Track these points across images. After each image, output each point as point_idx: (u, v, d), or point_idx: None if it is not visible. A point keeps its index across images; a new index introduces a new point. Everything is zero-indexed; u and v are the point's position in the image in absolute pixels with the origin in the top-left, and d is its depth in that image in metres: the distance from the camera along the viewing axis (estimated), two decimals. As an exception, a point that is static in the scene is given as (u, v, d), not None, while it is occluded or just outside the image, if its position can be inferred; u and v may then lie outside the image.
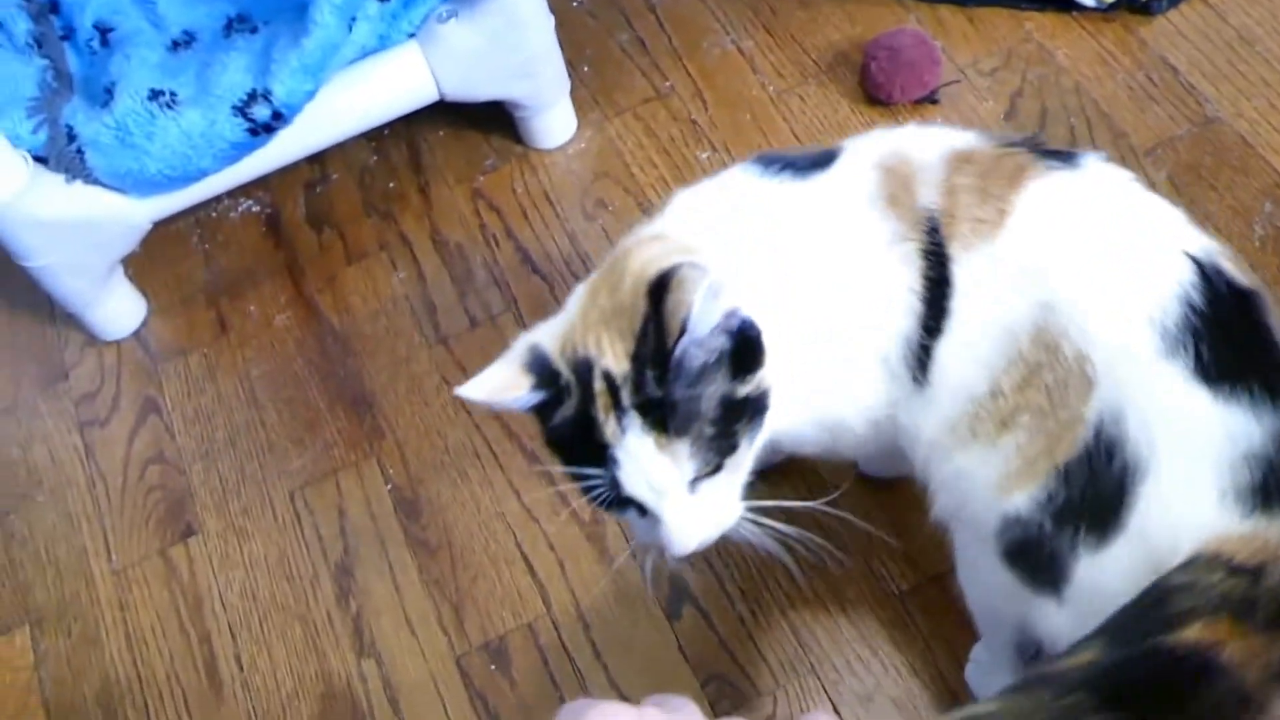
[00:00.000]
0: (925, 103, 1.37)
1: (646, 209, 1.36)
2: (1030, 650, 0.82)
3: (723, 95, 1.43)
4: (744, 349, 0.78)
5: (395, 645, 1.15)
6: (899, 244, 0.81)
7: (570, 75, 1.40)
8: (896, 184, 0.83)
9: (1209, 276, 0.75)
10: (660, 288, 0.75)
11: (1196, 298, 0.74)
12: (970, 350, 0.80)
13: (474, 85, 1.32)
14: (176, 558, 1.25)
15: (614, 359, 0.77)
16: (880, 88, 1.36)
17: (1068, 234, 0.79)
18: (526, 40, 1.30)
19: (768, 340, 0.79)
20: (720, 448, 0.78)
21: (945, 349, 0.81)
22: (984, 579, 0.85)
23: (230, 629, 1.19)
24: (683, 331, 0.73)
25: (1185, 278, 0.75)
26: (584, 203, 1.39)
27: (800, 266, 0.83)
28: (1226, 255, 0.78)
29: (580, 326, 0.80)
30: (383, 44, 1.28)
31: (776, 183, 0.86)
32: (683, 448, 0.76)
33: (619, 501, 0.80)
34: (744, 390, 0.78)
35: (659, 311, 0.75)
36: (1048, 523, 0.76)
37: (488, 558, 1.17)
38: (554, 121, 1.42)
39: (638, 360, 0.76)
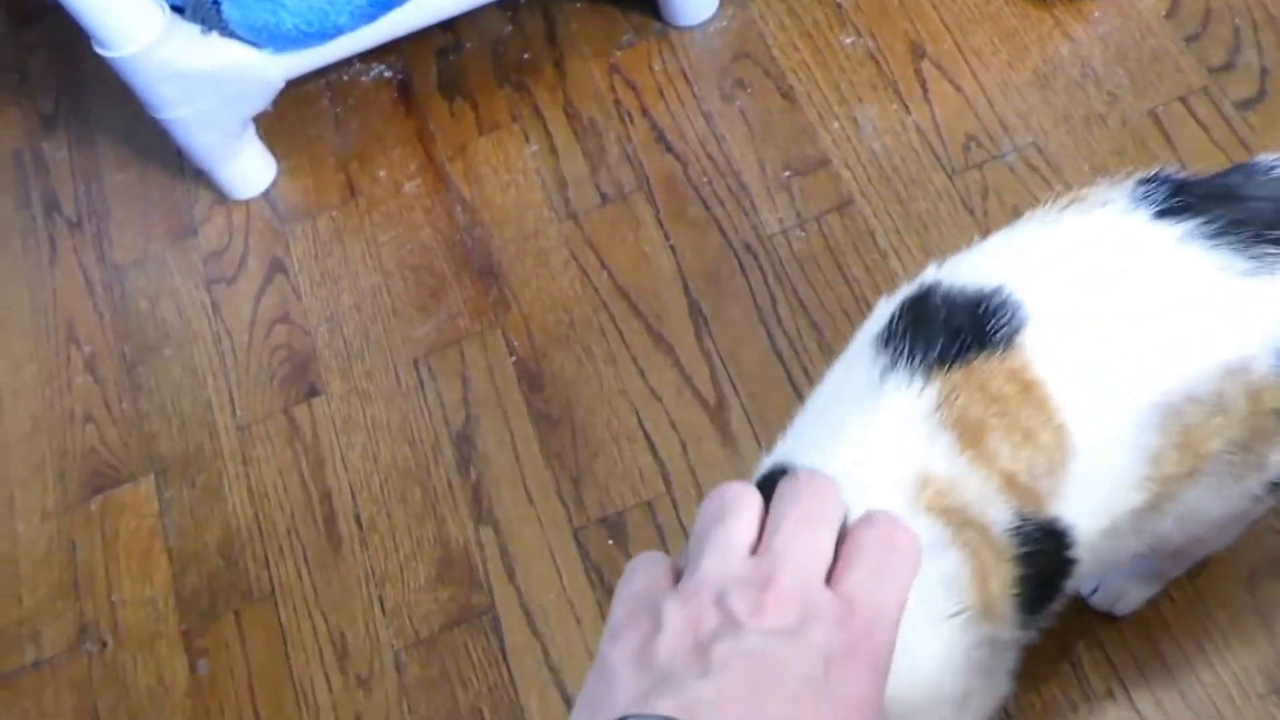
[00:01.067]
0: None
1: (786, 93, 1.31)
2: None
3: (871, -21, 1.37)
4: None
5: (513, 514, 1.15)
6: None
7: (714, -51, 1.35)
8: None
9: None
10: None
11: None
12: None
13: (617, -47, 1.28)
14: (299, 417, 1.26)
15: None
16: (1040, -23, 1.28)
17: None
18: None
19: None
20: None
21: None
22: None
23: (351, 489, 1.20)
24: None
25: None
26: (722, 83, 1.34)
27: None
28: None
29: None
30: (527, -95, 1.24)
31: None
32: None
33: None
34: None
35: None
36: None
37: (609, 434, 1.16)
38: (695, -4, 1.37)
39: None
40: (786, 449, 0.69)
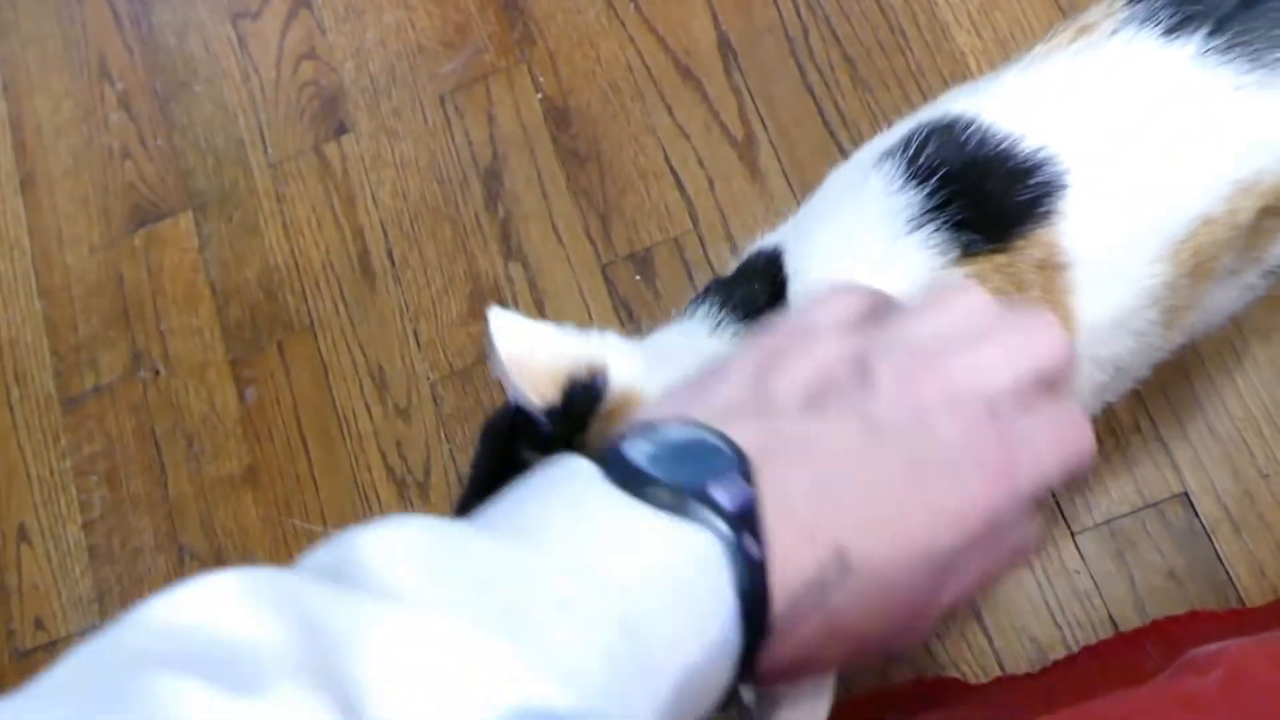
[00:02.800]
0: None
1: None
2: None
3: None
4: None
5: (542, 250, 1.16)
6: None
7: None
8: None
9: None
10: None
11: None
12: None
13: None
14: (330, 154, 1.26)
15: None
16: None
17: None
18: None
19: None
20: None
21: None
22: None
23: (382, 226, 1.22)
24: None
25: None
26: None
27: None
28: None
29: None
30: None
31: None
32: None
33: None
34: None
35: None
36: None
37: (636, 171, 1.15)
38: None
39: None
40: (781, 236, 0.69)
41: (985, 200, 0.65)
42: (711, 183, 1.13)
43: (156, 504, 1.21)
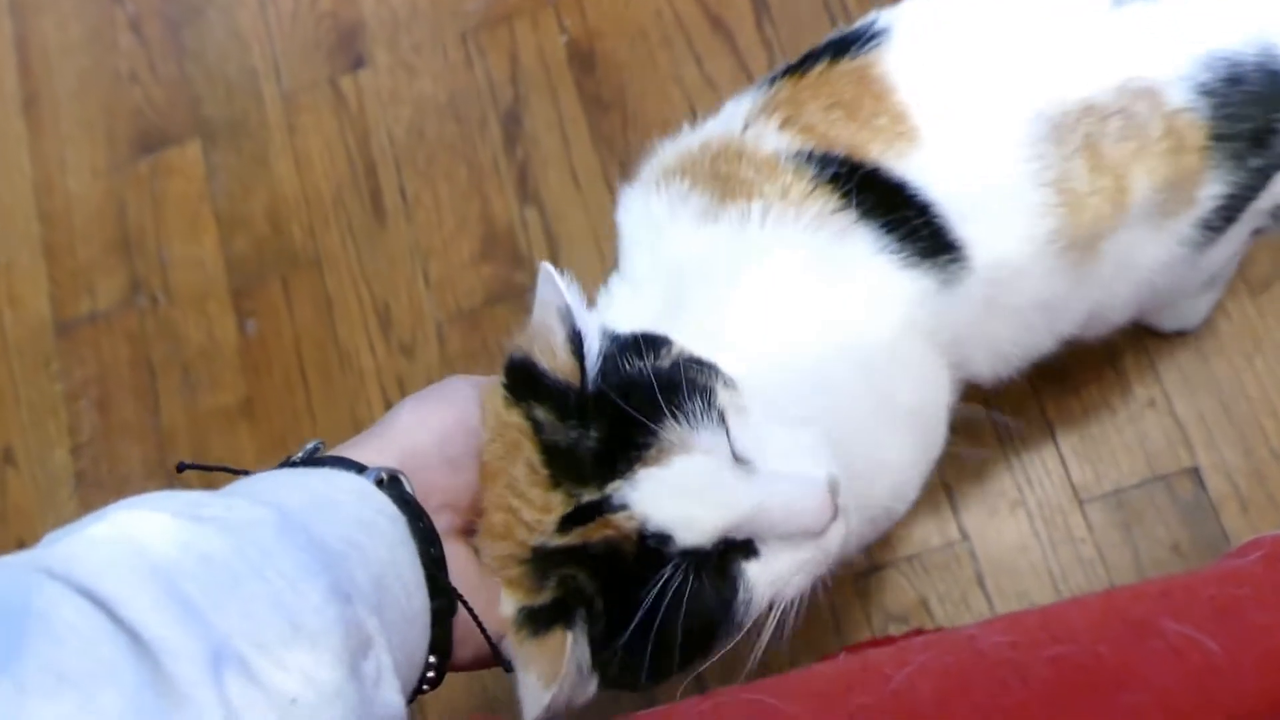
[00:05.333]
0: None
1: None
2: None
3: None
4: None
5: (559, 196, 1.15)
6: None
7: None
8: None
9: None
10: None
11: None
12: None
13: None
14: (345, 88, 1.24)
15: None
16: None
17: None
18: None
19: None
20: None
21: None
22: (1225, 250, 0.80)
23: (396, 163, 1.20)
24: None
25: None
26: None
27: None
28: None
29: None
30: None
31: None
32: None
33: None
34: None
35: None
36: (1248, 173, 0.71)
37: (660, 121, 1.14)
38: None
39: None
40: None
41: None
42: (735, 135, 1.12)
43: (147, 432, 1.19)
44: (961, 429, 0.75)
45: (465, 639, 0.57)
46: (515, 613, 0.57)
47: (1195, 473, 0.96)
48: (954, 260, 0.68)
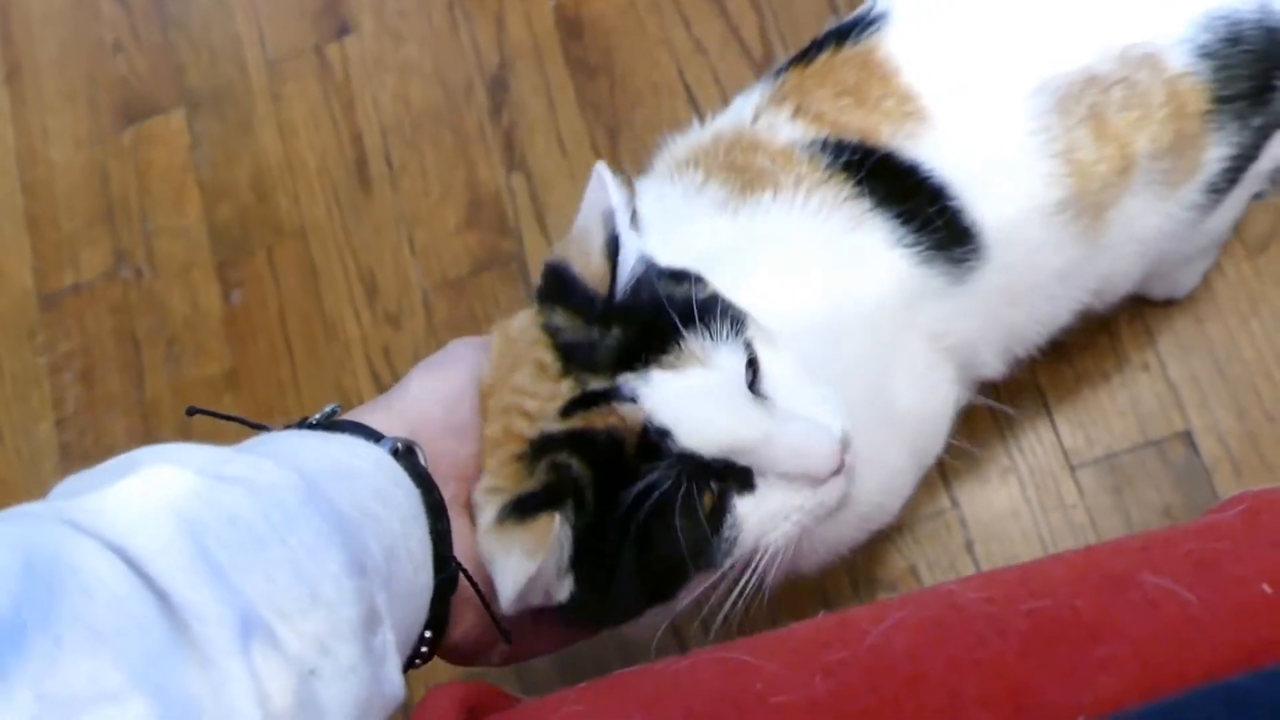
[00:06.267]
0: None
1: None
2: None
3: None
4: None
5: (546, 163, 1.13)
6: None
7: None
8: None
9: None
10: None
11: None
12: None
13: None
14: (331, 55, 1.23)
15: None
16: None
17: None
18: None
19: None
20: None
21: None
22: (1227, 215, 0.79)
23: (382, 130, 1.19)
24: None
25: None
26: None
27: None
28: None
29: None
30: None
31: None
32: None
33: None
34: None
35: None
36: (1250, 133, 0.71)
37: (648, 86, 1.13)
38: None
39: None
40: None
41: None
42: (726, 100, 1.10)
43: (132, 404, 1.18)
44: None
45: (460, 614, 0.57)
46: (499, 509, 0.56)
47: (1188, 436, 0.95)
48: (969, 253, 0.68)
